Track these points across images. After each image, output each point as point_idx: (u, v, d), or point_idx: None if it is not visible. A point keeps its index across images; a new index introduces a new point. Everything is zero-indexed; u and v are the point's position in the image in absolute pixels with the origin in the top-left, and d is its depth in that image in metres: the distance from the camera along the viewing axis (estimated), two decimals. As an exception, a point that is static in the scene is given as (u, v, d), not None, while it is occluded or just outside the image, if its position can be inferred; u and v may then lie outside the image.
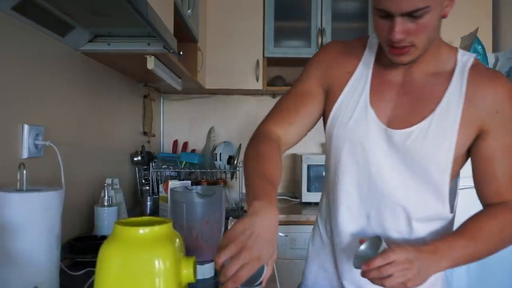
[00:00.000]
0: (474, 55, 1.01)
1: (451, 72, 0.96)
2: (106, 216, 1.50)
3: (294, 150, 2.96)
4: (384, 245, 0.87)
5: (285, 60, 2.72)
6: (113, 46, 1.52)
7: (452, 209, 1.01)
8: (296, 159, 2.87)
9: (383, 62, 1.00)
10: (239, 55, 2.58)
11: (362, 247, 0.91)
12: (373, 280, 0.84)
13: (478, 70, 0.96)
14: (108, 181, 1.64)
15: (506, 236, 0.94)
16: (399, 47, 0.88)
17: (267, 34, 2.60)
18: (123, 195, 1.79)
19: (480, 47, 2.37)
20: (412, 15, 0.84)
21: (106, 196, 1.52)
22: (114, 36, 1.51)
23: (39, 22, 1.24)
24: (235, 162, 2.37)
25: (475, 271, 2.30)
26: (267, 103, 2.99)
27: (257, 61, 2.58)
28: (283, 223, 2.23)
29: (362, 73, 1.02)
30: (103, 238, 1.43)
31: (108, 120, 1.92)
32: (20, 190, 0.94)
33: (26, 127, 1.22)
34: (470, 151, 0.97)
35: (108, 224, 1.49)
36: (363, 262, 0.85)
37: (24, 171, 0.96)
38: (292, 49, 2.63)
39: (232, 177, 2.47)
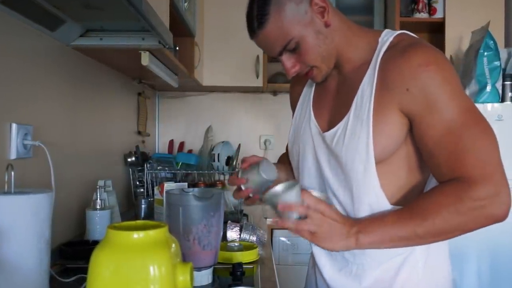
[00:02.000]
0: (398, 32, 0.99)
1: (370, 60, 0.97)
2: (98, 220, 1.50)
3: (296, 150, 2.96)
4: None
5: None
6: (105, 41, 1.52)
7: (397, 200, 0.97)
8: (298, 160, 2.87)
9: None
10: (238, 50, 2.58)
11: (278, 187, 0.92)
12: (282, 220, 0.91)
13: (395, 48, 0.94)
14: (101, 183, 1.63)
15: (453, 211, 0.86)
16: (304, 75, 1.01)
17: (267, 29, 2.60)
18: (116, 198, 1.79)
19: (491, 42, 2.37)
20: (288, 50, 0.96)
21: (98, 199, 1.52)
22: (107, 30, 1.51)
23: (27, 16, 1.24)
24: (234, 163, 2.38)
25: (486, 277, 2.30)
26: (268, 101, 2.99)
27: (257, 57, 2.58)
28: (282, 227, 2.23)
29: (307, 90, 1.15)
30: (95, 243, 1.42)
31: (100, 119, 1.92)
32: (8, 193, 0.94)
33: (14, 126, 1.22)
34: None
35: (101, 229, 1.49)
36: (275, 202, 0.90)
37: (12, 173, 0.96)
38: (294, 44, 2.62)
39: (230, 179, 2.47)
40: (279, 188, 0.92)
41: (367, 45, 1.00)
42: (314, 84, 1.13)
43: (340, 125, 0.99)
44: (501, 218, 0.87)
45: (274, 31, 0.95)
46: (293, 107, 1.21)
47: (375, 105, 0.93)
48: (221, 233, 1.16)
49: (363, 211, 0.98)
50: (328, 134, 1.01)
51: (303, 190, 0.91)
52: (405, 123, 0.93)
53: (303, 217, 0.89)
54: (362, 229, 0.90)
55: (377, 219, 0.92)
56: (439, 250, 1.03)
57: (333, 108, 1.04)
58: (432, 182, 1.00)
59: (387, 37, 0.98)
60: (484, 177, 0.86)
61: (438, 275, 1.03)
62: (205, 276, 1.12)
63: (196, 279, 1.05)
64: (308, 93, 1.15)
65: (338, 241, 0.90)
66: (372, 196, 0.96)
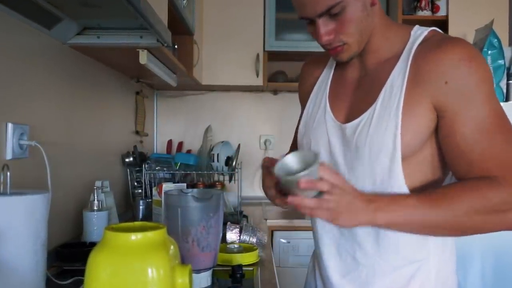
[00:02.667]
0: (431, 28, 0.98)
1: (401, 53, 0.96)
2: (95, 221, 1.50)
3: (296, 150, 2.95)
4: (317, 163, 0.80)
5: (287, 54, 2.73)
6: (103, 39, 1.52)
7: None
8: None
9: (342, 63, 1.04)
10: (238, 48, 2.58)
11: (290, 157, 0.87)
12: (301, 199, 0.82)
13: (430, 41, 0.93)
14: (98, 183, 1.63)
15: (476, 206, 0.84)
16: (331, 48, 0.95)
17: (268, 27, 2.60)
18: (114, 199, 1.78)
19: (495, 40, 2.37)
20: (330, 14, 0.90)
21: (95, 200, 1.52)
22: (104, 28, 1.50)
23: (23, 14, 1.24)
24: (234, 163, 2.38)
25: (490, 278, 2.30)
26: (268, 100, 2.99)
27: (257, 55, 2.58)
28: (284, 228, 2.24)
29: (324, 77, 1.11)
30: (92, 244, 1.42)
31: (98, 118, 1.91)
32: (4, 194, 0.94)
33: (10, 125, 1.22)
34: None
35: (98, 230, 1.49)
36: (286, 174, 0.82)
37: (8, 173, 0.96)
38: (295, 42, 2.63)
39: (230, 180, 2.47)
40: (298, 164, 0.86)
41: (398, 38, 0.98)
42: (331, 75, 1.09)
43: (364, 116, 0.95)
44: None
45: None
46: (304, 98, 1.15)
47: (405, 97, 0.90)
48: (221, 235, 1.16)
49: None
50: (350, 125, 0.98)
51: (320, 163, 0.83)
52: (434, 118, 0.90)
53: (318, 194, 0.82)
54: (382, 207, 0.86)
55: (398, 198, 0.89)
56: (451, 260, 1.02)
57: (354, 100, 1.01)
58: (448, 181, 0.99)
59: (421, 31, 0.96)
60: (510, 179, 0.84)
61: (448, 286, 1.02)
62: (204, 279, 1.12)
63: (195, 282, 1.05)
64: (323, 85, 1.10)
65: (355, 217, 0.84)
66: (395, 191, 0.93)
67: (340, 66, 1.07)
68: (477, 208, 0.84)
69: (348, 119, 1.00)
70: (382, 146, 0.92)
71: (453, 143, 0.89)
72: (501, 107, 0.91)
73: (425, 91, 0.90)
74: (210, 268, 1.13)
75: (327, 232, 1.06)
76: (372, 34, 0.96)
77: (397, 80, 0.93)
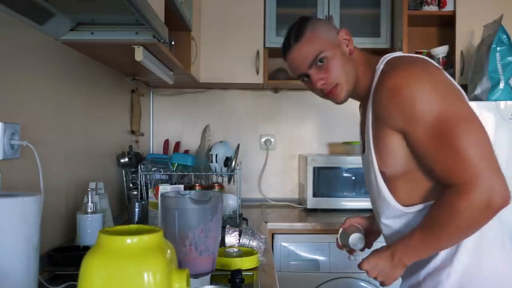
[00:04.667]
0: (390, 57, 1.17)
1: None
2: (89, 224, 1.50)
3: (299, 150, 2.96)
4: (354, 237, 1.35)
5: (288, 51, 2.72)
6: (97, 35, 1.52)
7: (408, 204, 1.16)
8: (301, 161, 2.87)
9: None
10: (237, 45, 2.58)
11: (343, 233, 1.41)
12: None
13: (384, 73, 1.13)
14: (92, 185, 1.64)
15: (458, 220, 1.01)
16: (329, 92, 1.21)
17: (268, 22, 2.60)
18: (109, 201, 1.79)
19: (505, 36, 2.37)
20: (317, 64, 1.19)
21: (89, 202, 1.52)
22: (98, 24, 1.51)
23: (14, 8, 1.24)
24: (233, 164, 2.37)
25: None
26: (268, 98, 2.99)
27: (257, 52, 2.58)
28: (286, 231, 2.24)
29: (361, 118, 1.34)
30: (86, 248, 1.43)
31: (92, 117, 1.92)
32: (-6, 195, 0.94)
33: (0, 125, 1.21)
34: None
35: (92, 233, 1.49)
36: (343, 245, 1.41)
37: (-1, 174, 0.96)
38: (296, 38, 2.62)
39: (229, 181, 2.47)
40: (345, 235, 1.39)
41: (370, 77, 1.19)
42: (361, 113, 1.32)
43: (365, 151, 1.22)
44: (502, 204, 0.99)
45: (308, 44, 1.19)
46: None
47: (373, 132, 1.15)
48: (219, 238, 1.16)
49: (383, 212, 1.22)
50: (363, 157, 1.27)
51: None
52: (400, 138, 1.10)
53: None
54: (401, 256, 1.11)
55: (407, 246, 1.10)
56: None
57: (363, 136, 1.25)
58: None
59: (380, 65, 1.16)
60: (470, 180, 0.98)
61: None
62: (202, 284, 1.12)
63: (193, 287, 1.04)
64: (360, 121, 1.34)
65: (393, 275, 1.14)
66: (384, 204, 1.20)
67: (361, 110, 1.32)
68: (459, 223, 1.02)
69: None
70: (370, 172, 1.19)
71: (418, 157, 1.09)
72: (450, 106, 1.04)
73: (382, 123, 1.12)
74: (208, 273, 1.13)
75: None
76: (358, 79, 1.21)
77: (369, 118, 1.17)
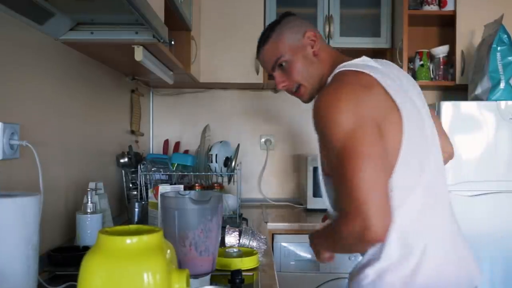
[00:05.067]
0: (340, 68, 1.19)
1: None
2: (89, 225, 1.50)
3: (299, 150, 2.96)
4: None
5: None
6: (96, 35, 1.52)
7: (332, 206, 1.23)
8: (301, 161, 2.87)
9: None
10: (238, 45, 2.58)
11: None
12: None
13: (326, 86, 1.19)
14: (92, 185, 1.64)
15: (342, 241, 1.09)
16: (294, 92, 1.32)
17: (268, 22, 2.60)
18: (108, 201, 1.79)
19: (505, 36, 2.37)
20: (279, 67, 1.29)
21: (89, 202, 1.52)
22: (98, 23, 1.51)
23: (13, 8, 1.24)
24: (233, 164, 2.37)
25: (499, 282, 2.30)
26: (268, 98, 2.99)
27: (257, 52, 2.58)
28: (286, 232, 2.24)
29: None
30: (86, 248, 1.43)
31: (91, 117, 1.92)
32: (-7, 195, 0.94)
33: (0, 125, 1.22)
34: None
35: (92, 233, 1.49)
36: None
37: (-2, 174, 0.96)
38: (296, 38, 2.63)
39: (229, 181, 2.47)
40: None
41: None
42: None
43: None
44: (376, 240, 1.01)
45: (271, 49, 1.29)
46: None
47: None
48: (219, 239, 1.16)
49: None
50: None
51: None
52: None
53: None
54: (316, 244, 1.25)
55: (318, 239, 1.24)
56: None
57: None
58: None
59: (330, 77, 1.20)
60: (352, 212, 1.01)
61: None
62: (202, 284, 1.12)
63: (193, 287, 1.05)
64: None
65: (321, 254, 1.25)
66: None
67: None
68: (341, 244, 1.11)
69: None
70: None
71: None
72: (353, 139, 1.04)
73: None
74: (208, 273, 1.13)
75: None
76: (323, 77, 1.25)
77: None
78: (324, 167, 1.20)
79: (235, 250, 1.44)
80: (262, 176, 2.99)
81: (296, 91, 1.31)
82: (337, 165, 1.06)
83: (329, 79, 1.20)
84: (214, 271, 1.15)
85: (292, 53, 1.26)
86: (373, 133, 1.06)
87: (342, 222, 1.04)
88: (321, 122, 1.10)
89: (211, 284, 1.15)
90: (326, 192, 1.22)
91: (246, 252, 1.46)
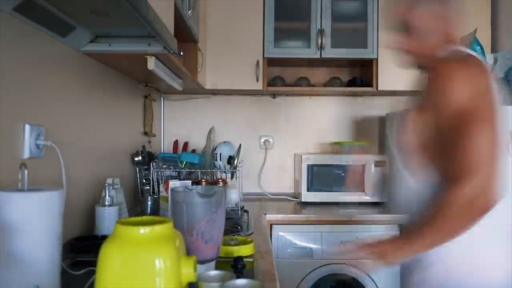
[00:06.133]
0: (456, 47, 1.17)
1: None
2: (107, 216, 1.50)
3: (294, 150, 2.96)
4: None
5: (285, 61, 2.72)
6: (113, 47, 1.52)
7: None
8: (296, 159, 2.87)
9: None
10: (239, 55, 2.58)
11: None
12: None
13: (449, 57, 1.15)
14: (109, 181, 1.63)
15: (447, 219, 1.00)
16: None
17: (267, 35, 2.60)
18: (124, 195, 1.79)
19: (479, 47, 2.37)
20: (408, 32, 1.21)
21: (107, 196, 1.52)
22: (115, 36, 1.51)
23: (40, 22, 1.24)
24: (235, 162, 2.37)
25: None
26: (267, 103, 2.99)
27: (257, 62, 2.58)
28: (283, 222, 2.23)
29: None
30: (104, 237, 1.43)
31: (109, 120, 1.91)
32: (22, 190, 0.94)
33: (27, 127, 1.22)
34: None
35: (109, 224, 1.49)
36: None
37: (26, 171, 0.96)
38: (292, 49, 2.63)
39: (232, 177, 2.46)
40: None
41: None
42: None
43: None
44: (488, 206, 0.94)
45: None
46: None
47: None
48: (223, 228, 1.16)
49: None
50: None
51: None
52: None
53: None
54: (411, 245, 1.08)
55: (405, 243, 1.09)
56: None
57: None
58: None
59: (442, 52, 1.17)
60: (472, 173, 0.94)
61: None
62: (208, 269, 1.12)
63: (200, 271, 1.04)
64: None
65: (393, 254, 1.09)
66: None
67: None
68: (452, 217, 0.99)
69: None
70: None
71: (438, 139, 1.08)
72: (472, 103, 0.99)
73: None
74: (213, 259, 1.13)
75: None
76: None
77: None
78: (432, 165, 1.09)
79: (232, 239, 1.44)
80: (261, 172, 2.99)
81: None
82: (458, 129, 0.99)
83: (443, 53, 1.15)
84: (218, 258, 1.15)
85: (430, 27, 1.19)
86: (496, 108, 1.03)
87: (457, 187, 0.96)
88: (447, 84, 1.03)
89: (216, 269, 1.15)
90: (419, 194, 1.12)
91: (242, 241, 1.46)
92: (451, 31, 1.19)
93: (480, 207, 0.95)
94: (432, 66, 1.14)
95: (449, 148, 1.00)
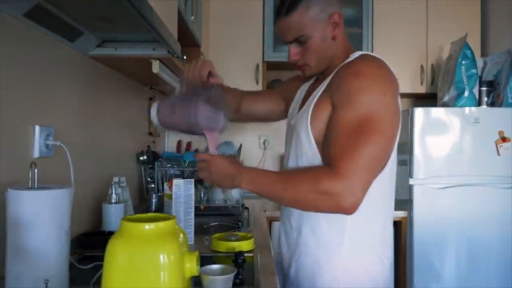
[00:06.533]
0: (362, 53, 1.10)
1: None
2: (113, 213, 1.50)
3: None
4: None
5: (283, 64, 2.72)
6: (120, 51, 1.52)
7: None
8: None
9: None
10: (240, 59, 2.58)
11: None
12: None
13: (354, 60, 1.07)
14: (115, 179, 1.63)
15: (311, 186, 0.96)
16: (299, 65, 1.14)
17: (266, 40, 2.60)
18: (130, 193, 1.78)
19: (469, 51, 2.37)
20: (298, 41, 1.08)
21: (113, 194, 1.52)
22: (121, 41, 1.50)
23: (49, 28, 1.24)
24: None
25: (464, 263, 2.30)
26: (267, 105, 2.99)
27: (257, 65, 2.58)
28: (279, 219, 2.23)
29: (304, 87, 1.27)
30: (111, 233, 1.42)
31: (115, 121, 1.91)
32: (32, 188, 0.94)
33: (37, 128, 1.22)
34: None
35: (115, 220, 1.49)
36: None
37: (36, 170, 0.96)
38: (290, 53, 2.63)
39: (233, 176, 2.46)
40: None
41: (344, 59, 1.10)
42: (309, 86, 1.24)
43: (300, 112, 1.16)
44: (346, 209, 0.95)
45: (295, 22, 1.07)
46: (288, 94, 1.34)
47: (318, 97, 1.08)
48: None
49: (300, 155, 1.12)
50: (293, 119, 1.20)
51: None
52: (331, 110, 1.04)
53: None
54: (246, 178, 1.04)
55: (261, 174, 1.07)
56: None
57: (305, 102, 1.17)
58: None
59: (354, 55, 1.09)
60: (346, 173, 0.93)
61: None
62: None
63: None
64: (303, 91, 1.25)
65: (226, 182, 1.07)
66: (309, 155, 1.09)
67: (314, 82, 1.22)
68: (312, 188, 0.96)
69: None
70: (301, 129, 1.10)
71: (328, 130, 1.03)
72: (380, 112, 0.98)
73: (329, 93, 1.06)
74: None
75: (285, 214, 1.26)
76: (331, 60, 1.11)
77: (321, 88, 1.10)
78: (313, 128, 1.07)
79: (233, 235, 1.44)
80: (261, 171, 2.99)
81: (301, 66, 1.14)
82: (351, 127, 0.97)
83: (355, 55, 1.09)
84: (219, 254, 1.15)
85: (315, 32, 1.07)
86: (398, 123, 1.03)
87: (329, 175, 0.95)
88: (356, 85, 0.99)
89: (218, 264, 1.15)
90: (308, 136, 1.08)
91: (243, 237, 1.46)
92: (338, 32, 1.10)
93: (335, 205, 0.94)
94: (338, 71, 1.09)
95: (338, 139, 0.98)
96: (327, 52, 1.10)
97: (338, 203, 0.94)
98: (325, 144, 1.04)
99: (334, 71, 1.09)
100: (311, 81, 1.25)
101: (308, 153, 1.09)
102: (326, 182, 0.94)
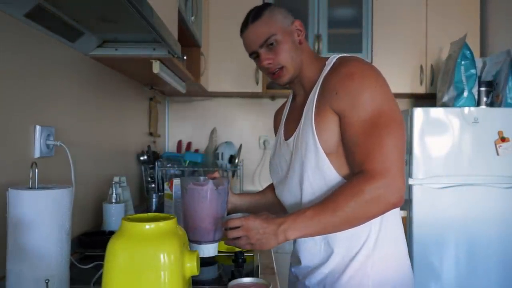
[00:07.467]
0: (340, 55, 1.11)
1: (318, 80, 1.10)
2: (113, 212, 1.50)
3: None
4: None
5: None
6: (120, 51, 1.52)
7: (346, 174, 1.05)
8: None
9: (295, 95, 1.21)
10: (240, 59, 2.58)
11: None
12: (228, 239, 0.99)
13: (334, 66, 1.07)
14: (116, 179, 1.64)
15: (357, 200, 0.93)
16: (273, 72, 1.10)
17: (266, 40, 2.60)
18: (130, 193, 1.79)
19: (468, 52, 2.37)
20: (267, 45, 1.08)
21: (113, 194, 1.52)
22: (122, 41, 1.51)
23: (50, 28, 1.24)
24: (236, 161, 2.37)
25: (464, 263, 2.30)
26: (266, 105, 2.99)
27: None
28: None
29: (285, 112, 1.25)
30: (111, 233, 1.43)
31: (116, 121, 1.92)
32: (32, 188, 0.94)
33: (38, 128, 1.22)
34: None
35: (116, 220, 1.49)
36: None
37: (36, 170, 0.96)
38: (290, 54, 2.63)
39: (233, 175, 2.47)
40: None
41: (319, 68, 1.11)
42: (288, 108, 1.24)
43: (296, 132, 1.11)
44: (397, 203, 0.95)
45: (263, 25, 1.08)
46: (275, 132, 1.31)
47: (315, 109, 1.05)
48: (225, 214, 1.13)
49: (308, 189, 1.07)
50: (289, 141, 1.14)
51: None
52: (337, 119, 1.02)
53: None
54: (290, 228, 0.96)
55: (299, 215, 0.96)
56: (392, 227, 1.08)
57: (296, 121, 1.13)
58: None
59: (332, 60, 1.10)
60: (382, 170, 0.93)
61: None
62: (211, 249, 1.08)
63: (204, 252, 1.02)
64: (284, 117, 1.24)
65: (269, 242, 0.96)
66: (330, 182, 1.04)
67: (294, 99, 1.22)
68: (359, 202, 0.93)
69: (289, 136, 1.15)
70: (307, 146, 1.05)
71: (345, 140, 1.01)
72: (388, 105, 0.99)
73: (325, 102, 1.03)
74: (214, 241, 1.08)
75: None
76: (303, 64, 1.11)
77: (312, 99, 1.07)
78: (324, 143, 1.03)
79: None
80: (260, 170, 2.99)
81: (276, 72, 1.10)
82: (367, 126, 0.97)
83: (332, 61, 1.09)
84: (220, 253, 1.14)
85: (283, 34, 1.08)
86: (398, 107, 1.03)
87: (366, 180, 0.93)
88: (356, 86, 0.99)
89: (217, 264, 1.15)
90: (319, 160, 1.03)
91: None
92: (302, 38, 1.11)
93: (385, 205, 0.95)
94: (312, 79, 1.10)
95: (361, 144, 0.97)
96: (298, 54, 1.10)
97: (388, 202, 0.95)
98: (348, 154, 1.01)
99: (320, 81, 1.07)
100: (288, 104, 1.25)
101: (320, 165, 1.04)
102: (368, 189, 0.93)
